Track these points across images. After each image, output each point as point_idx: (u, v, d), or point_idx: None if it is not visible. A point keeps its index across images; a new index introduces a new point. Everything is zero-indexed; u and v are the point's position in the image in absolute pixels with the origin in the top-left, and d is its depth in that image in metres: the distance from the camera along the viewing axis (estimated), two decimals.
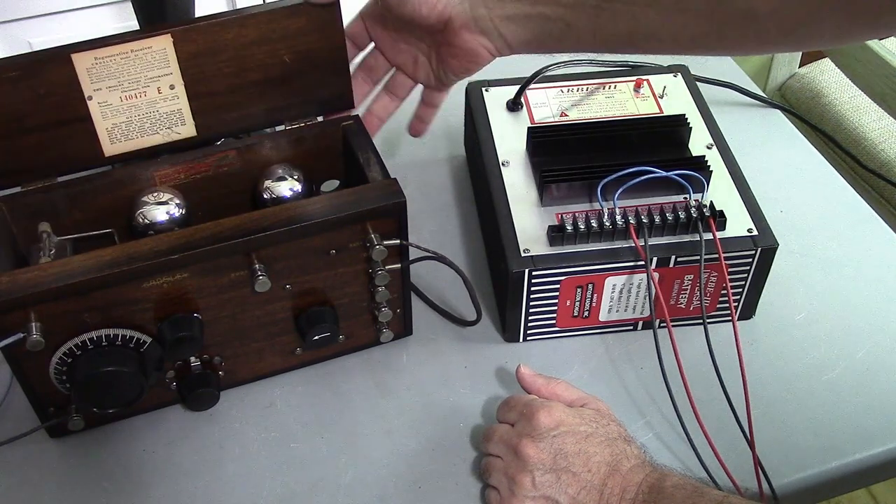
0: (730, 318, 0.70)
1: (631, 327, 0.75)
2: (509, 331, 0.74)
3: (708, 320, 0.69)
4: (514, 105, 0.82)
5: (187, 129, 0.69)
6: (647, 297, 0.72)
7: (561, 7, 0.62)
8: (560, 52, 0.68)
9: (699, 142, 0.78)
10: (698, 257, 0.69)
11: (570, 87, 0.84)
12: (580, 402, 0.63)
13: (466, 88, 0.85)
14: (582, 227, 0.69)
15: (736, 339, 0.67)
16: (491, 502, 0.62)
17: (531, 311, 0.72)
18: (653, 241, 0.69)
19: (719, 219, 0.70)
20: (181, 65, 0.66)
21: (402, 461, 0.66)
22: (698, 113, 0.82)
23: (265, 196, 0.70)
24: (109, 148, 0.67)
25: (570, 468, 0.58)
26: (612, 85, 0.84)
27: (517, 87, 0.83)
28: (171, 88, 0.67)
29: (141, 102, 0.67)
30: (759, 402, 0.68)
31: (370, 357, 0.73)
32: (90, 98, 0.65)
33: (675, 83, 0.85)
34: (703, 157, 0.74)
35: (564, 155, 0.76)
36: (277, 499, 0.64)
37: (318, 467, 0.66)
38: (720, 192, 0.74)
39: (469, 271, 0.79)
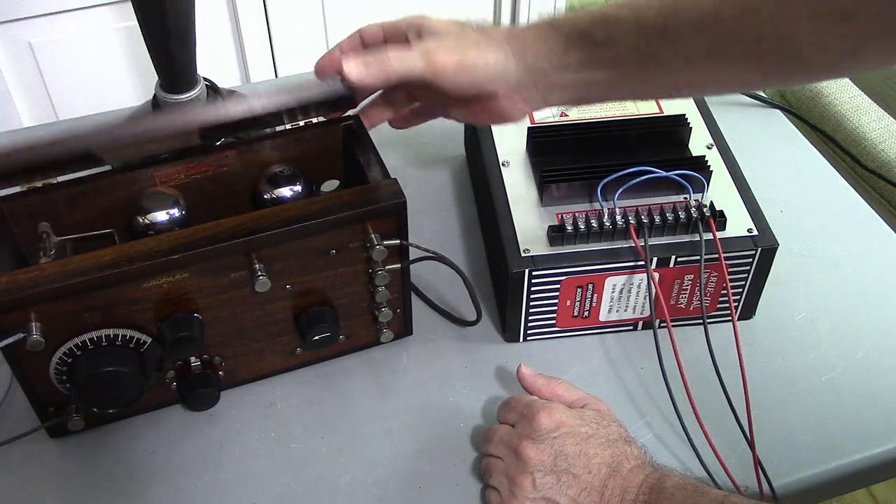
0: (730, 318, 0.70)
1: (631, 327, 0.75)
2: (509, 331, 0.74)
3: (708, 320, 0.69)
4: None
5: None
6: (647, 297, 0.72)
7: (607, 70, 0.60)
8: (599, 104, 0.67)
9: (699, 142, 0.78)
10: (698, 257, 0.69)
11: None
12: (581, 402, 0.63)
13: None
14: (582, 227, 0.69)
15: (736, 339, 0.66)
16: (491, 503, 0.62)
17: (531, 311, 0.72)
18: (653, 241, 0.69)
19: (719, 219, 0.70)
20: None
21: (402, 461, 0.66)
22: (698, 113, 0.82)
23: (265, 196, 0.70)
24: None
25: (570, 469, 0.58)
26: None
27: None
28: None
29: None
30: (759, 401, 0.68)
31: (370, 357, 0.73)
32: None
33: None
34: (703, 157, 0.74)
35: (564, 155, 0.76)
36: (277, 499, 0.64)
37: (318, 467, 0.66)
38: (720, 192, 0.74)
39: (469, 271, 0.79)
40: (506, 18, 1.55)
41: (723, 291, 0.72)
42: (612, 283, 0.71)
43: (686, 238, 0.70)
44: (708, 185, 0.73)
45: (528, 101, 0.64)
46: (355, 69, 0.60)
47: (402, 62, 0.61)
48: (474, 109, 0.65)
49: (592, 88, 0.62)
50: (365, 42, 0.69)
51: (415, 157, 0.92)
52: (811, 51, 0.53)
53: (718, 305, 0.74)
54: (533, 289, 0.70)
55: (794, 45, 0.53)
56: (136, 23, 0.76)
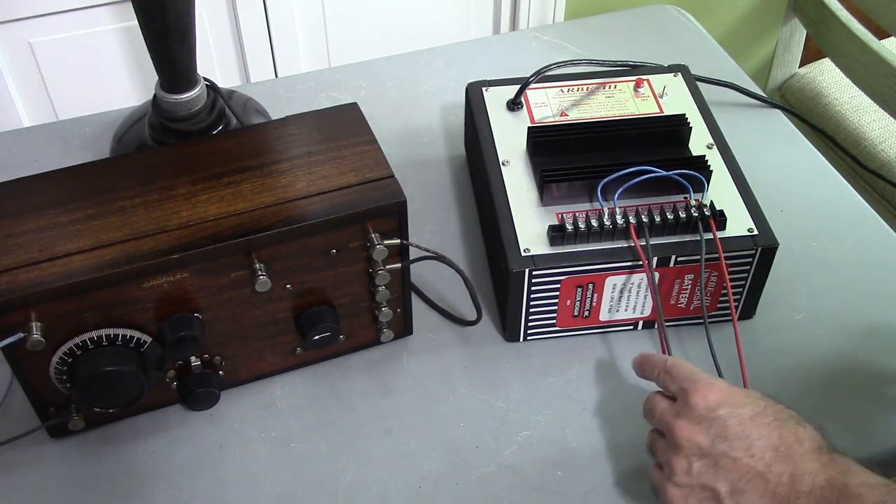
0: (730, 318, 0.70)
1: (631, 327, 0.75)
2: (509, 331, 0.74)
3: (708, 320, 0.70)
4: (513, 105, 0.82)
5: None
6: (648, 297, 0.72)
7: None
8: None
9: (699, 142, 0.79)
10: (698, 257, 0.69)
11: (570, 87, 0.84)
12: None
13: (466, 88, 0.85)
14: (582, 226, 0.69)
15: (736, 339, 0.67)
16: (654, 478, 0.59)
17: (531, 310, 0.72)
18: (653, 240, 0.69)
19: (719, 218, 0.70)
20: None
21: (402, 461, 0.66)
22: (698, 113, 0.82)
23: None
24: None
25: (729, 453, 0.54)
26: (612, 85, 0.84)
27: (517, 87, 0.83)
28: None
29: None
30: None
31: (370, 357, 0.73)
32: None
33: (675, 83, 0.85)
34: (703, 156, 0.74)
35: (564, 155, 0.76)
36: (277, 499, 0.64)
37: (318, 467, 0.66)
38: (720, 191, 0.74)
39: (469, 271, 0.79)
40: (506, 19, 1.55)
41: (723, 291, 0.72)
42: (612, 283, 0.71)
43: (686, 238, 0.70)
44: (708, 184, 0.73)
45: None
46: None
47: None
48: None
49: None
50: None
51: (415, 157, 0.92)
52: None
53: (718, 305, 0.74)
54: (533, 288, 0.70)
55: None
56: (136, 23, 0.76)
